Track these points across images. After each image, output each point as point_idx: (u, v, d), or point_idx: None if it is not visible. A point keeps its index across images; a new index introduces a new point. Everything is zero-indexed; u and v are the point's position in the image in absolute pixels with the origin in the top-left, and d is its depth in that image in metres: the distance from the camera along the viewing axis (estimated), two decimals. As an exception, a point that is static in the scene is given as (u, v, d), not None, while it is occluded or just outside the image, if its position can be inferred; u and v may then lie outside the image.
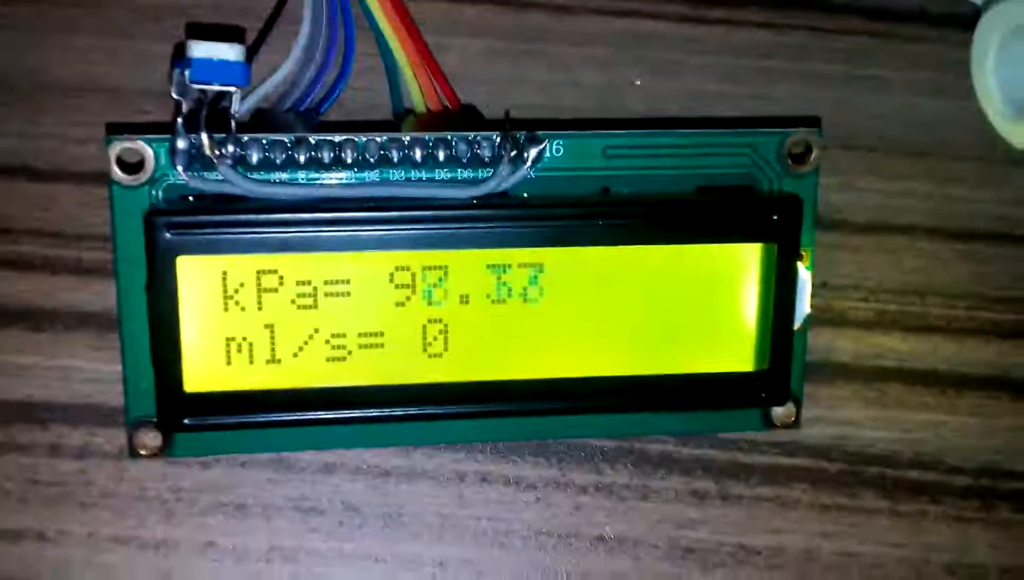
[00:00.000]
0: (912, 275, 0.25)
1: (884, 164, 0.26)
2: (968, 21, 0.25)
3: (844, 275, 0.25)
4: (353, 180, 0.22)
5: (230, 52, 0.21)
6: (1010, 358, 0.25)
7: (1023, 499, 0.25)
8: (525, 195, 0.22)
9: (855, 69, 0.26)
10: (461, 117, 0.24)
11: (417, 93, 0.24)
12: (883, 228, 0.25)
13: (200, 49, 0.20)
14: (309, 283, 0.21)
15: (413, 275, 0.21)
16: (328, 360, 0.21)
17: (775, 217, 0.22)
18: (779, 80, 0.26)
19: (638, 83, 0.25)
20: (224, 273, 0.21)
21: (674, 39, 0.25)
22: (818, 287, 0.24)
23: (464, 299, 0.22)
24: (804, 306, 0.23)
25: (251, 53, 0.24)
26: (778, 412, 0.23)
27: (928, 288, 0.25)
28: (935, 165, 0.26)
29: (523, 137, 0.22)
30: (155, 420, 0.21)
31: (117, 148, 0.21)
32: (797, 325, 0.23)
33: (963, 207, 0.26)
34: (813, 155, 0.23)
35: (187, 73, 0.20)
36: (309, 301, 0.21)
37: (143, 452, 0.22)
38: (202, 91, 0.20)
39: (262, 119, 0.23)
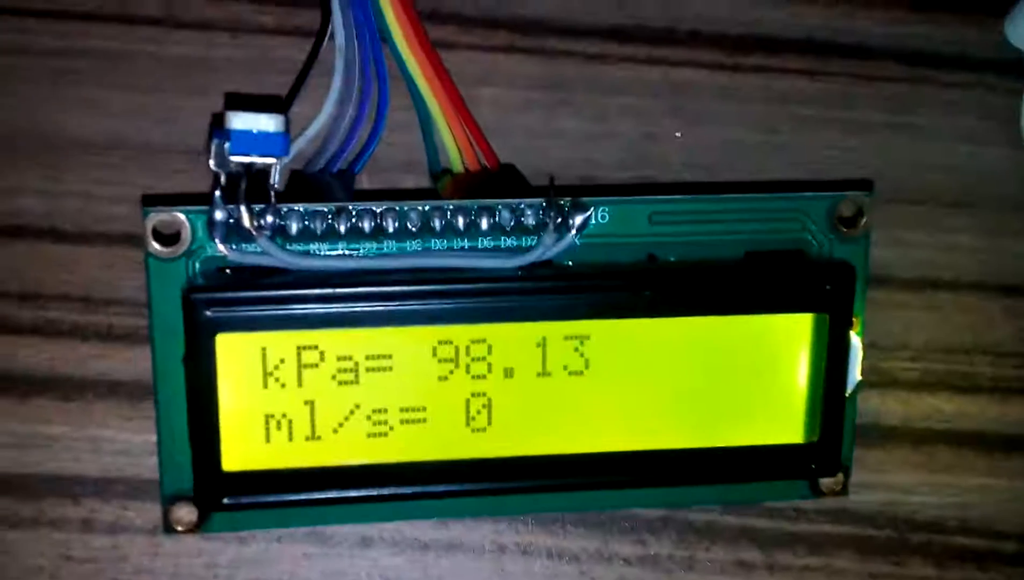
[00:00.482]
0: (959, 333, 0.25)
1: (929, 217, 0.25)
2: (1011, 66, 0.25)
3: (892, 334, 0.25)
4: (395, 249, 0.21)
5: (270, 123, 0.20)
6: None
7: None
8: (570, 263, 0.21)
9: (896, 117, 0.25)
10: (500, 176, 0.23)
11: (453, 148, 0.23)
12: (930, 283, 0.25)
13: (240, 121, 0.20)
14: (350, 358, 0.21)
15: (456, 349, 0.21)
16: (369, 436, 0.21)
17: (827, 287, 0.21)
18: (818, 129, 0.25)
19: (679, 135, 0.25)
20: (264, 349, 0.20)
21: (710, 87, 0.25)
22: (866, 348, 0.24)
23: (508, 373, 0.21)
24: (855, 374, 0.22)
25: (285, 107, 0.23)
26: (826, 481, 0.23)
27: (975, 346, 0.25)
28: (981, 217, 0.25)
29: (568, 204, 0.21)
30: (191, 496, 0.21)
31: (154, 219, 0.20)
32: (847, 393, 0.22)
33: (1010, 261, 0.25)
34: (864, 220, 0.22)
35: (227, 146, 0.20)
36: (350, 376, 0.21)
37: (179, 528, 0.21)
38: (242, 164, 0.20)
39: (297, 180, 0.23)
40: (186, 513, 0.21)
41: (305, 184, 0.22)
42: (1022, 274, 0.25)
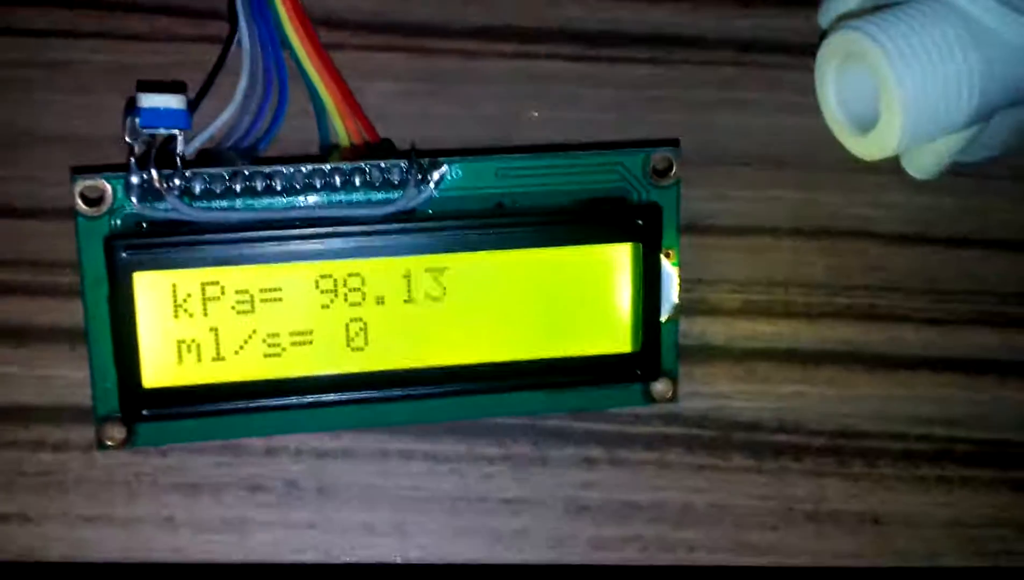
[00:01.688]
0: (776, 269, 0.29)
1: (752, 176, 0.29)
2: (821, 47, 0.29)
3: (717, 272, 0.29)
4: (283, 205, 0.25)
5: (172, 100, 0.24)
6: (862, 336, 0.29)
7: (872, 454, 0.29)
8: (430, 211, 0.26)
9: (728, 95, 0.30)
10: (379, 149, 0.28)
11: (342, 129, 0.28)
12: (751, 230, 0.29)
13: (147, 100, 0.24)
14: (246, 292, 0.25)
15: (336, 281, 0.25)
16: (265, 356, 0.25)
17: (639, 221, 0.26)
18: (662, 107, 0.29)
19: (535, 115, 0.29)
20: (174, 285, 0.24)
21: (569, 76, 0.29)
22: (693, 282, 0.28)
23: (380, 300, 0.25)
24: (672, 296, 0.26)
25: (197, 100, 0.28)
26: (657, 388, 0.27)
27: (791, 280, 0.29)
28: (796, 174, 0.29)
29: (427, 162, 0.26)
30: (119, 415, 0.25)
31: (81, 185, 0.25)
32: (668, 312, 0.27)
33: (821, 209, 0.29)
34: (673, 170, 0.27)
35: (137, 120, 0.24)
36: (247, 307, 0.25)
37: (110, 443, 0.25)
38: (151, 135, 0.24)
39: (208, 157, 0.27)
40: (116, 431, 0.25)
41: (214, 159, 0.27)
42: (829, 220, 0.29)
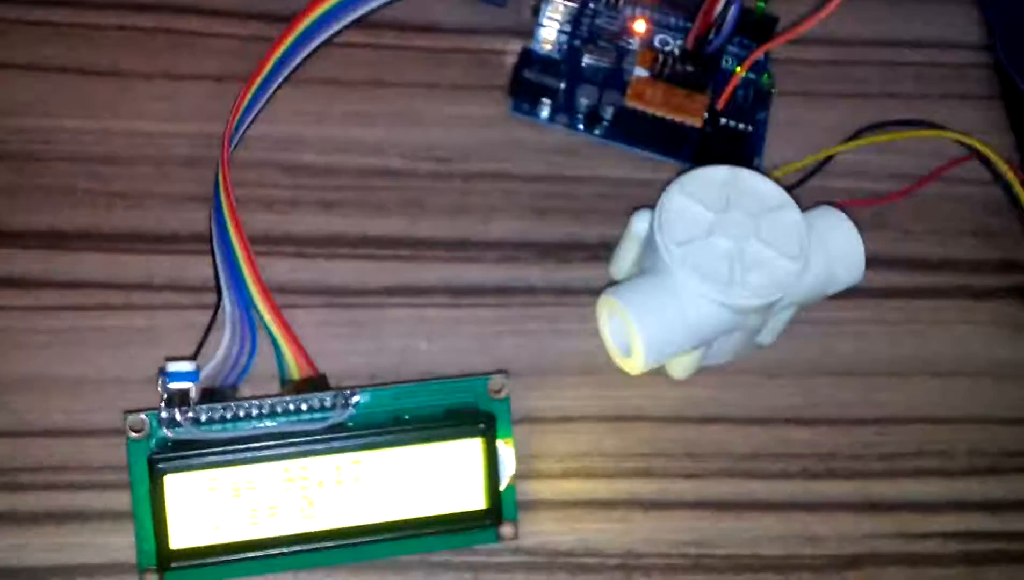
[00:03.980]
0: (584, 445, 0.43)
1: (567, 381, 0.44)
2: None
3: (543, 449, 0.43)
4: (259, 424, 0.40)
5: (188, 366, 0.39)
6: (641, 488, 0.42)
7: (647, 568, 0.39)
8: (351, 424, 0.40)
9: (550, 326, 0.45)
10: (318, 381, 0.42)
11: (294, 367, 0.42)
12: (566, 419, 0.43)
13: (173, 366, 0.39)
14: (236, 484, 0.39)
15: (292, 473, 0.39)
16: (250, 523, 0.39)
17: (483, 424, 0.40)
18: (506, 339, 0.45)
19: (423, 346, 0.44)
20: (189, 484, 0.39)
21: (445, 320, 0.45)
22: (526, 457, 0.42)
23: (321, 484, 0.39)
24: (510, 470, 0.41)
25: (197, 351, 0.42)
26: (504, 531, 0.41)
27: (593, 452, 0.43)
28: (597, 378, 0.44)
29: (348, 392, 0.41)
30: (155, 567, 0.39)
31: (130, 420, 0.39)
32: (508, 480, 0.41)
33: (612, 402, 0.43)
34: (504, 389, 0.41)
35: (166, 379, 0.39)
36: (237, 493, 0.39)
37: None
38: (175, 388, 0.39)
39: (207, 393, 0.41)
40: (152, 578, 0.39)
41: (211, 394, 0.41)
42: (617, 409, 0.44)
